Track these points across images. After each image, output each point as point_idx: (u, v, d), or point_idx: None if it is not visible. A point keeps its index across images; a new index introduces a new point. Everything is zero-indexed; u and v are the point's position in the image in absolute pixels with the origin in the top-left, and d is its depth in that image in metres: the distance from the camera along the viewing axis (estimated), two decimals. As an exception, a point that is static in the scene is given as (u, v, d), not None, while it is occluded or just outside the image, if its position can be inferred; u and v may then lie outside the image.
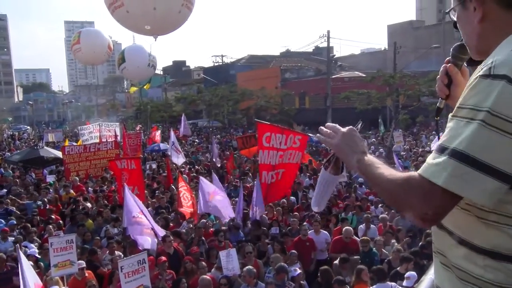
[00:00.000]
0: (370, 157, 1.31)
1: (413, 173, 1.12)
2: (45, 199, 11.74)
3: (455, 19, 1.25)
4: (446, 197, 1.04)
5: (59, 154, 16.56)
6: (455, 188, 1.01)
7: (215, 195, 8.93)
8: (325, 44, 35.72)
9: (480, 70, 1.04)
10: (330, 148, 1.46)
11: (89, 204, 11.20)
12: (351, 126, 1.45)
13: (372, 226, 8.64)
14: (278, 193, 9.38)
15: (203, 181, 9.20)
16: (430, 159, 1.07)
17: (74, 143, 20.07)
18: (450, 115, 1.10)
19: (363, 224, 8.68)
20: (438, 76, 1.47)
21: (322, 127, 1.51)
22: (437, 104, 1.50)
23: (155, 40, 10.54)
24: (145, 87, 24.35)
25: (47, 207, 10.96)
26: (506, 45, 1.06)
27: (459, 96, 1.43)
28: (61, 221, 9.85)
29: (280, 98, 38.34)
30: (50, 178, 15.38)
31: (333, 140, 1.43)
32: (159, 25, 9.57)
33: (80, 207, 10.82)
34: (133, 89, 25.34)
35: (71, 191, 12.59)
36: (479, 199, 1.02)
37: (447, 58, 1.44)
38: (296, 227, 8.57)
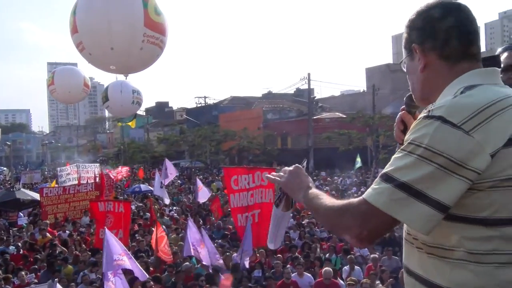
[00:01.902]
0: (314, 191, 1.40)
1: (353, 199, 1.22)
2: (19, 244, 11.27)
3: (405, 70, 1.39)
4: (383, 219, 1.13)
5: (36, 196, 16.10)
6: (392, 211, 1.11)
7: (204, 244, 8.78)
8: (306, 86, 36.63)
9: (423, 112, 1.18)
10: (280, 186, 1.57)
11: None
12: (296, 164, 1.56)
13: (356, 267, 8.54)
14: (262, 237, 9.19)
15: (191, 225, 9.03)
16: (373, 184, 1.18)
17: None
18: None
19: (348, 266, 8.57)
20: (395, 123, 1.61)
21: (273, 172, 1.65)
22: (396, 149, 1.58)
23: (126, 78, 10.53)
24: (130, 124, 23.56)
25: (21, 252, 10.51)
26: (446, 92, 1.21)
27: None
28: (36, 266, 9.42)
29: (263, 138, 38.64)
30: (23, 221, 14.77)
31: (282, 179, 1.55)
32: (123, 64, 9.25)
33: (57, 251, 10.41)
34: (120, 124, 24.37)
35: (48, 234, 12.14)
36: (413, 223, 1.11)
37: (402, 107, 1.58)
38: (280, 270, 8.40)
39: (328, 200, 1.31)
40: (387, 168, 1.17)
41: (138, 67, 9.68)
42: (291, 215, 1.80)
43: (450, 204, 1.09)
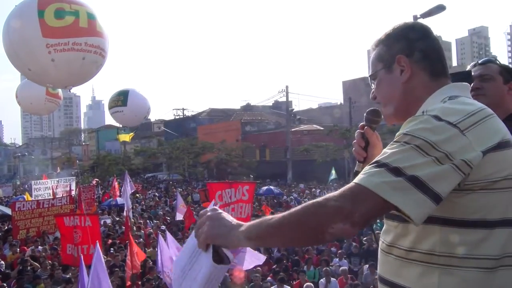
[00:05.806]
0: (249, 223, 1.21)
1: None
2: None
3: (374, 85, 1.42)
4: (374, 201, 1.10)
5: (7, 210, 15.58)
6: (384, 193, 1.09)
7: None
8: (284, 99, 36.99)
9: (412, 117, 1.21)
10: (207, 241, 1.23)
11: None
12: (212, 207, 1.31)
13: (332, 279, 8.56)
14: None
15: (162, 242, 8.82)
16: (364, 170, 1.16)
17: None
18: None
19: (324, 278, 8.59)
20: (354, 141, 1.60)
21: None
22: (355, 168, 1.59)
23: (70, 91, 10.27)
24: (127, 139, 22.70)
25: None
26: (430, 101, 1.28)
27: (375, 156, 1.56)
28: (5, 284, 9.08)
29: (241, 151, 38.61)
30: None
31: (203, 230, 1.24)
32: (53, 79, 8.83)
33: (28, 267, 10.06)
34: (127, 136, 22.84)
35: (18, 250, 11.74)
36: (406, 208, 1.09)
37: (361, 124, 1.59)
38: (259, 283, 8.36)
39: (284, 213, 1.16)
40: (379, 156, 1.16)
41: (73, 78, 8.96)
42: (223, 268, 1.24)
43: (444, 196, 1.11)
